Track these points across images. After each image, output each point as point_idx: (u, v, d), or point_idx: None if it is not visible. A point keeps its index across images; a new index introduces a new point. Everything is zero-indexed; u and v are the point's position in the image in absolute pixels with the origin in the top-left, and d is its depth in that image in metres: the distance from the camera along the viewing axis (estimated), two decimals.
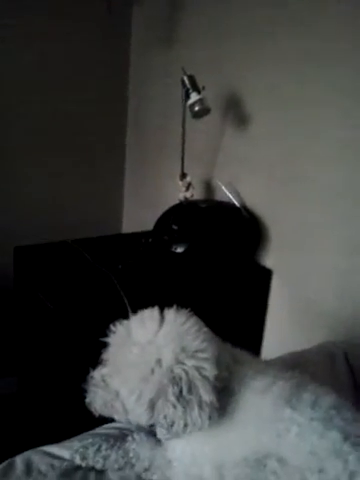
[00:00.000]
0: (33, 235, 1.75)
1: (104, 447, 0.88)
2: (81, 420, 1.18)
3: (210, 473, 0.80)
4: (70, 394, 1.37)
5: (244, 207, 1.61)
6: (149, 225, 1.76)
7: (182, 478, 0.82)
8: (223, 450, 0.79)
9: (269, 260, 1.59)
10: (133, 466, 0.86)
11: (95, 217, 2.22)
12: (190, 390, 0.75)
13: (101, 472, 0.87)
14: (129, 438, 0.90)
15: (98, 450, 0.87)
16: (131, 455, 0.86)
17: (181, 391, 0.75)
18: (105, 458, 0.87)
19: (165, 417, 0.76)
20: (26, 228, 2.00)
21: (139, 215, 2.23)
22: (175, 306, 0.86)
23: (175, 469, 0.83)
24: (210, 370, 0.77)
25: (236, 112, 1.65)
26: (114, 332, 0.84)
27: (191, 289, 1.46)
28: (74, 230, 1.95)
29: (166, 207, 1.67)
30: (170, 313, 0.83)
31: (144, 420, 0.79)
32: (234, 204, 1.61)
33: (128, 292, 1.34)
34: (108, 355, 0.84)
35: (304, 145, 1.45)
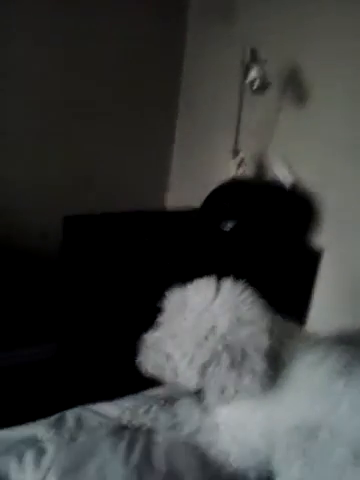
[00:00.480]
0: (80, 206, 1.77)
1: (153, 408, 0.90)
2: (121, 385, 1.20)
3: (260, 440, 0.80)
4: (110, 360, 1.40)
5: (298, 185, 1.58)
6: (195, 200, 1.74)
7: (229, 442, 0.83)
8: (274, 418, 0.80)
9: (320, 240, 1.56)
10: (181, 428, 0.87)
11: (141, 190, 2.21)
12: (243, 358, 0.76)
13: (149, 432, 0.88)
14: (177, 401, 0.91)
15: (147, 411, 0.89)
16: (179, 417, 0.88)
17: (234, 359, 0.76)
18: (154, 419, 0.88)
19: (217, 383, 0.76)
20: (74, 199, 2.02)
21: (186, 190, 2.22)
22: (231, 277, 0.86)
23: (221, 433, 0.84)
24: (263, 340, 0.77)
25: (295, 88, 1.60)
26: (170, 298, 0.85)
27: (239, 266, 1.44)
28: (120, 203, 1.96)
29: (214, 183, 1.65)
30: (226, 283, 0.84)
31: (194, 384, 0.81)
32: (287, 182, 1.58)
33: (176, 266, 1.35)
34: (163, 319, 0.84)
35: None
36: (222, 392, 0.77)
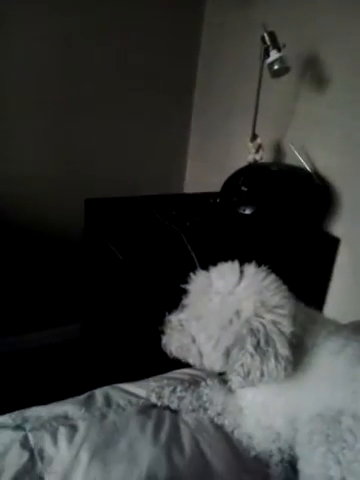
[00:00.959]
0: (101, 190, 1.80)
1: (179, 389, 0.92)
2: (144, 366, 1.24)
3: (283, 425, 0.82)
4: (134, 341, 1.44)
5: (316, 172, 1.58)
6: (211, 186, 1.76)
7: (252, 425, 0.85)
8: (296, 405, 0.82)
9: (338, 228, 1.57)
10: (206, 410, 0.90)
11: (158, 175, 2.24)
12: (267, 342, 0.78)
13: (175, 412, 0.92)
14: (203, 383, 0.94)
15: (173, 391, 0.92)
16: (205, 399, 0.90)
17: (259, 342, 0.78)
18: (180, 399, 0.91)
19: (242, 365, 0.79)
20: (95, 183, 2.05)
21: (202, 175, 2.23)
22: (254, 262, 0.88)
23: (246, 416, 0.86)
24: (287, 326, 0.79)
25: (315, 74, 1.59)
26: (195, 281, 0.86)
27: (257, 251, 1.47)
28: (138, 188, 1.99)
29: (231, 169, 1.66)
30: (250, 268, 0.85)
31: (218, 366, 0.83)
32: (305, 169, 1.58)
33: (195, 249, 1.37)
34: (188, 301, 0.86)
35: None
36: (247, 376, 0.79)
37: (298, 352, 0.81)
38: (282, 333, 0.78)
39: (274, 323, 0.79)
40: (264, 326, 0.78)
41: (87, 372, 1.66)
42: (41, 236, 2.04)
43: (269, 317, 0.79)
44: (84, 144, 2.03)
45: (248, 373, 0.79)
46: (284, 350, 0.78)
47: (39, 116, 1.90)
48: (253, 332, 0.78)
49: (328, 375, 0.81)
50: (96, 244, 1.62)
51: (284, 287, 0.85)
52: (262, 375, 0.78)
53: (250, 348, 0.78)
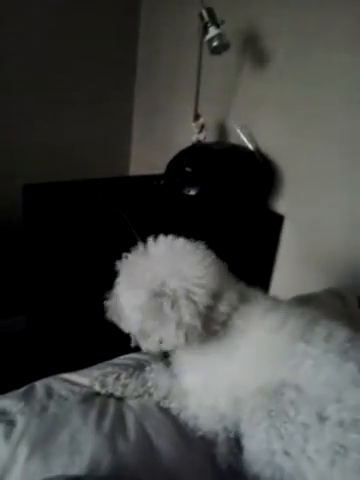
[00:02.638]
0: (40, 175, 1.72)
1: (123, 376, 0.90)
2: (92, 354, 1.21)
3: (226, 404, 0.82)
4: (80, 329, 1.40)
5: (258, 151, 1.58)
6: (157, 168, 1.72)
7: (197, 408, 0.85)
8: (238, 384, 0.81)
9: (281, 205, 1.58)
10: (151, 395, 0.88)
11: (102, 159, 2.19)
12: (172, 308, 0.78)
13: (120, 398, 0.89)
14: (147, 368, 0.92)
15: (117, 378, 0.90)
16: (149, 384, 0.89)
17: (161, 307, 0.78)
18: (124, 386, 0.89)
19: (141, 328, 0.80)
20: (34, 168, 1.97)
21: (147, 157, 2.19)
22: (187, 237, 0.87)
23: (189, 398, 0.86)
24: (200, 296, 0.78)
25: (255, 50, 1.58)
26: (134, 250, 0.87)
27: (202, 231, 1.45)
28: (81, 171, 1.93)
29: (176, 150, 1.64)
30: (179, 241, 0.86)
31: (135, 328, 0.83)
32: (248, 148, 1.58)
33: (140, 232, 1.34)
34: (121, 275, 0.87)
35: (323, 89, 1.40)
36: (146, 339, 0.80)
37: (230, 331, 0.82)
38: (193, 302, 0.78)
39: (185, 290, 0.78)
40: (174, 291, 0.78)
41: (33, 365, 1.60)
42: None
43: (181, 284, 0.79)
44: (20, 127, 1.94)
45: (147, 337, 0.80)
46: (189, 318, 0.77)
47: None
48: (158, 295, 0.79)
49: (268, 353, 0.80)
50: (37, 232, 1.55)
51: (215, 262, 0.84)
52: (161, 341, 0.79)
53: (151, 311, 0.78)
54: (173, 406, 0.86)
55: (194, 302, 0.78)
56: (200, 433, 0.83)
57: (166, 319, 0.78)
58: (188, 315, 0.77)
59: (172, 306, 0.78)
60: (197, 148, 1.60)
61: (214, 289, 0.80)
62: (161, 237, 0.86)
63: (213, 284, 0.80)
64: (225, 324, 0.82)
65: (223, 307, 0.81)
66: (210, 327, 0.80)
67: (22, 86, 1.90)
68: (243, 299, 0.85)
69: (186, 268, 0.80)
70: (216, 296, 0.80)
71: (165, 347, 0.80)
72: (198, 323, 0.77)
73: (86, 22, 1.96)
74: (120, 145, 2.25)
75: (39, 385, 0.91)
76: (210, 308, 0.79)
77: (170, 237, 0.86)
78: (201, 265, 0.82)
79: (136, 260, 0.85)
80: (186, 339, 0.78)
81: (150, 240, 0.86)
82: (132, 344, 0.92)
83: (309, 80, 1.44)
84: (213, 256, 0.85)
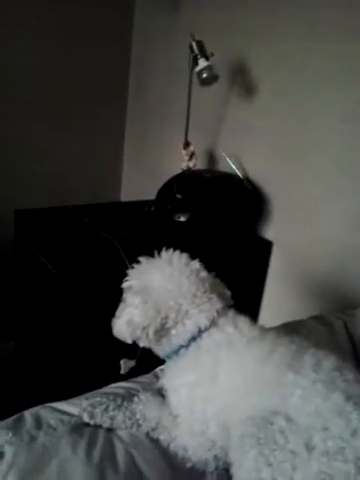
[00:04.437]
0: (32, 201, 1.74)
1: (111, 407, 0.89)
2: (81, 382, 1.20)
3: (217, 432, 0.82)
4: (69, 356, 1.39)
5: (247, 178, 1.62)
6: (148, 194, 1.75)
7: (186, 435, 0.84)
8: (227, 412, 0.82)
9: (270, 232, 1.61)
10: (140, 426, 0.88)
11: (93, 185, 2.21)
12: (129, 302, 0.87)
13: (110, 428, 0.89)
14: (135, 398, 0.92)
15: (105, 410, 0.89)
16: (138, 416, 0.88)
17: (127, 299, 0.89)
18: (112, 418, 0.88)
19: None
20: (25, 193, 1.98)
21: (138, 184, 2.22)
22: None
23: (179, 426, 0.85)
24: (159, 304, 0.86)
25: (243, 81, 1.63)
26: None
27: (192, 257, 1.47)
28: (72, 197, 1.94)
29: (166, 177, 1.67)
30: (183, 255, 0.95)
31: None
32: (237, 175, 1.61)
33: (130, 258, 1.35)
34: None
35: (309, 117, 1.46)
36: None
37: (205, 353, 0.85)
38: (148, 308, 0.85)
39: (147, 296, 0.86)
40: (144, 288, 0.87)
41: (21, 393, 1.58)
42: None
43: (158, 284, 0.87)
44: (12, 153, 1.96)
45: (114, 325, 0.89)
46: (140, 320, 0.84)
47: None
48: (131, 290, 0.88)
49: (255, 383, 0.81)
50: (27, 257, 1.55)
51: (204, 276, 0.93)
52: (114, 333, 0.88)
53: (123, 302, 0.88)
54: (162, 438, 0.86)
55: (158, 313, 0.85)
56: (190, 464, 0.82)
57: (122, 313, 0.87)
58: (138, 317, 0.84)
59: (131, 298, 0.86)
60: (187, 175, 1.63)
61: (177, 305, 0.85)
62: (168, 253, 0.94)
63: (180, 299, 0.86)
64: (195, 340, 0.86)
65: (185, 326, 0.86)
66: (164, 337, 0.87)
67: (13, 113, 1.92)
68: (233, 324, 0.87)
69: (174, 274, 0.88)
70: (179, 312, 0.86)
71: (118, 335, 0.88)
72: (152, 335, 0.84)
73: (78, 50, 2.00)
74: (111, 172, 2.28)
75: (28, 414, 0.90)
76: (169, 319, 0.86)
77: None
78: (192, 277, 0.89)
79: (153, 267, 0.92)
80: (131, 336, 0.85)
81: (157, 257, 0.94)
82: (122, 371, 0.91)
83: (295, 111, 1.49)
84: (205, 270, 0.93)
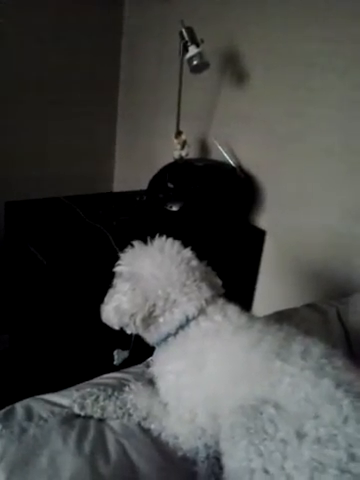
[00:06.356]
0: (23, 192, 1.72)
1: (102, 398, 0.89)
2: (75, 373, 1.20)
3: (206, 421, 0.82)
4: (63, 348, 1.38)
5: (240, 167, 1.60)
6: (140, 184, 1.74)
7: (177, 426, 0.84)
8: (216, 400, 0.81)
9: (263, 220, 1.60)
10: (131, 416, 0.87)
11: (86, 175, 2.19)
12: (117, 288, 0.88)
13: (102, 419, 0.88)
14: (126, 388, 0.91)
15: (96, 400, 0.88)
16: (128, 406, 0.88)
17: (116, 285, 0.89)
18: (103, 408, 0.88)
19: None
20: (16, 185, 1.96)
21: (130, 174, 2.20)
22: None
23: (169, 415, 0.85)
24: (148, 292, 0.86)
25: (235, 68, 1.61)
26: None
27: (185, 246, 1.46)
28: (64, 188, 1.92)
29: (159, 166, 1.65)
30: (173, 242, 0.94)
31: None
32: (230, 164, 1.60)
33: (122, 249, 1.34)
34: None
35: (302, 105, 1.44)
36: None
37: (192, 341, 0.85)
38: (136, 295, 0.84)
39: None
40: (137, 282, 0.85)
41: (15, 385, 1.58)
42: None
43: (147, 271, 0.86)
44: (3, 144, 1.94)
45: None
46: (126, 306, 0.84)
47: None
48: (121, 276, 0.88)
49: (244, 372, 0.80)
50: (18, 249, 1.54)
51: (197, 265, 0.92)
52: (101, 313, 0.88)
53: (112, 288, 0.88)
54: (153, 427, 0.86)
55: (146, 300, 0.84)
56: (181, 453, 0.82)
57: (112, 297, 0.86)
58: (126, 303, 0.84)
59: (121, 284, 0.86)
60: (179, 164, 1.61)
61: (165, 294, 0.85)
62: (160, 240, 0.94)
63: (169, 288, 0.85)
64: (183, 329, 0.86)
65: (175, 315, 0.86)
66: (152, 325, 0.87)
67: (3, 103, 1.90)
68: (223, 313, 0.86)
69: (162, 263, 0.87)
70: (167, 301, 0.85)
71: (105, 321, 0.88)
72: (139, 322, 0.84)
73: (69, 40, 1.97)
74: (104, 162, 2.26)
75: (19, 407, 0.90)
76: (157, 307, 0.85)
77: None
78: (182, 263, 0.88)
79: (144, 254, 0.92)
80: (119, 322, 0.86)
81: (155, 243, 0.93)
82: (115, 362, 0.91)
83: (288, 98, 1.47)
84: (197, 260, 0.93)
